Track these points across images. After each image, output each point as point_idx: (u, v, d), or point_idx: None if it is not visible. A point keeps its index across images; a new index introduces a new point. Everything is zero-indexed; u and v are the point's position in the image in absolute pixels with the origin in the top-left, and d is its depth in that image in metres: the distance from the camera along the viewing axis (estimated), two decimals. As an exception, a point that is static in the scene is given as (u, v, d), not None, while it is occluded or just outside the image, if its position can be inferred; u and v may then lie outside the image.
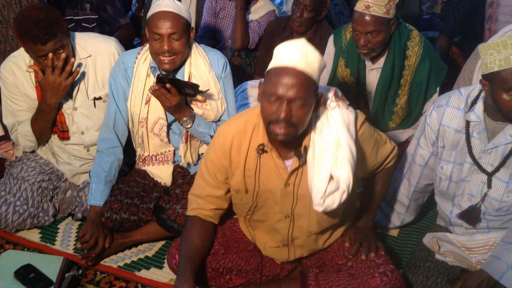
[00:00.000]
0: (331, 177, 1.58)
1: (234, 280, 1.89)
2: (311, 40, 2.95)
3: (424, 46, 2.43)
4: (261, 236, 1.86)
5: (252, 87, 2.90)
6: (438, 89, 2.52)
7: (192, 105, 2.12)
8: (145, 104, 2.12)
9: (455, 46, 3.42)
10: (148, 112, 2.12)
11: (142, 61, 2.11)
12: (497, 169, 1.79)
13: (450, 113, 1.84)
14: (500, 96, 1.63)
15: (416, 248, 2.05)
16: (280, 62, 1.51)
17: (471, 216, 1.86)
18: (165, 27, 1.95)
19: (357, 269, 1.78)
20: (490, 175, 1.80)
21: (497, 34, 2.29)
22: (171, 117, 2.15)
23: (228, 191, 1.79)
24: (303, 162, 1.62)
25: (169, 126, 2.18)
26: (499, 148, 1.76)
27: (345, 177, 1.57)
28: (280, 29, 3.05)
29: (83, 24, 3.14)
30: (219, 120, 2.15)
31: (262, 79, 2.92)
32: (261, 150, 1.65)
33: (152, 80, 2.09)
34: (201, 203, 1.80)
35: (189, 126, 2.06)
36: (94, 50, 2.21)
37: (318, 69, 1.53)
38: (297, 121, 1.51)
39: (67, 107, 2.22)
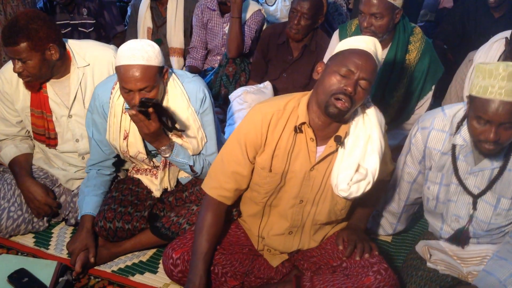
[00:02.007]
0: (359, 167, 1.68)
1: (229, 282, 1.89)
2: (307, 47, 2.99)
3: (425, 43, 2.53)
4: (269, 222, 1.89)
5: (247, 93, 2.91)
6: (433, 87, 2.60)
7: (171, 136, 2.05)
8: (123, 139, 2.07)
9: (451, 53, 3.45)
10: (127, 146, 2.08)
11: (117, 98, 2.00)
12: (483, 192, 1.78)
13: (435, 136, 1.83)
14: (471, 120, 1.63)
15: (408, 256, 2.05)
16: (358, 46, 1.63)
17: (460, 239, 1.87)
18: (134, 83, 1.81)
19: (351, 269, 1.80)
20: (475, 197, 1.80)
21: (488, 42, 2.32)
22: (151, 147, 2.11)
23: (252, 171, 1.81)
24: (340, 146, 1.71)
25: (151, 156, 2.16)
26: (485, 171, 1.76)
27: (373, 168, 1.68)
28: (275, 35, 3.07)
29: (79, 28, 3.16)
30: (198, 154, 2.11)
31: (261, 84, 2.97)
32: (299, 129, 1.71)
33: (128, 118, 2.01)
34: (223, 180, 1.81)
35: (167, 155, 2.01)
36: (93, 59, 2.20)
37: (379, 64, 1.68)
38: (357, 99, 1.62)
39: (60, 114, 2.22)
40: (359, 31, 2.50)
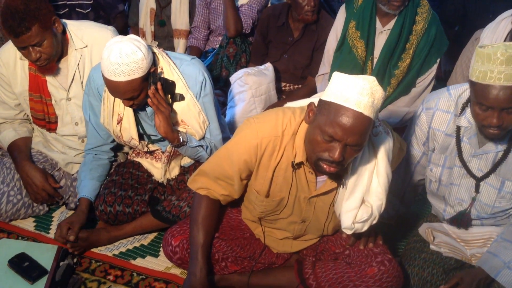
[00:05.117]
0: (363, 201, 1.60)
1: (230, 267, 1.88)
2: (308, 27, 2.94)
3: (432, 14, 2.56)
4: (268, 230, 1.86)
5: (248, 75, 2.88)
6: (438, 60, 2.63)
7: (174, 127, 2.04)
8: (117, 124, 2.04)
9: (454, 35, 3.41)
10: (121, 131, 2.05)
11: None
12: (486, 175, 1.76)
13: (439, 116, 1.79)
14: (474, 105, 1.60)
15: (411, 239, 2.04)
16: (347, 101, 1.40)
17: (461, 222, 1.85)
18: (119, 95, 1.85)
19: (354, 257, 1.78)
20: (478, 180, 1.78)
21: (495, 20, 2.27)
22: (149, 132, 2.10)
23: (243, 186, 1.74)
24: (343, 186, 1.62)
25: (150, 142, 2.13)
26: (489, 154, 1.73)
27: (378, 204, 1.60)
28: (275, 17, 3.03)
29: (77, 9, 3.11)
30: (203, 138, 2.08)
31: (262, 66, 2.92)
32: (297, 166, 1.61)
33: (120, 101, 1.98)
34: (212, 186, 1.75)
35: (184, 143, 1.99)
36: (91, 41, 2.17)
37: (380, 109, 1.48)
38: (347, 161, 1.49)
39: (59, 97, 2.19)
40: (367, 3, 2.52)
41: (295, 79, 3.06)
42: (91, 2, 3.13)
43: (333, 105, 1.42)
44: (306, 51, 2.98)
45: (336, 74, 1.47)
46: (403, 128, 2.40)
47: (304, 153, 1.58)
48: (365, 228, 1.64)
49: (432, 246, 1.93)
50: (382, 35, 2.57)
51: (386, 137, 1.61)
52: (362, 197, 1.59)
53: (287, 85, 3.10)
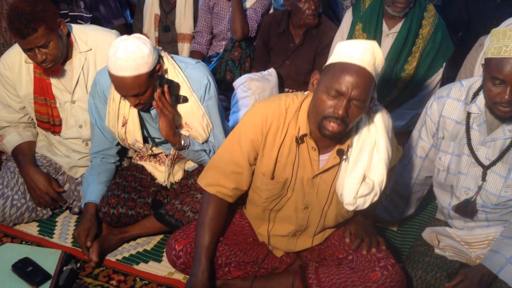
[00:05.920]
0: (364, 178, 1.62)
1: (233, 273, 1.88)
2: (308, 33, 2.95)
3: (438, 19, 2.62)
4: (272, 226, 1.86)
5: (252, 80, 2.89)
6: (444, 64, 2.68)
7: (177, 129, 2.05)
8: (122, 126, 2.05)
9: (458, 41, 3.41)
10: (125, 133, 2.06)
11: None
12: (493, 163, 1.78)
13: (450, 104, 1.84)
14: (487, 82, 1.65)
15: (415, 243, 2.04)
16: (351, 58, 1.49)
17: (466, 209, 1.86)
18: (126, 92, 1.84)
19: (357, 262, 1.78)
20: (486, 168, 1.80)
21: (499, 26, 2.27)
22: (153, 135, 2.11)
23: (252, 173, 1.76)
24: (345, 160, 1.64)
25: (154, 145, 2.14)
26: (497, 142, 1.76)
27: (379, 179, 1.62)
28: (275, 23, 3.05)
29: (78, 20, 3.14)
30: (206, 142, 2.09)
31: (266, 71, 2.93)
32: (301, 140, 1.65)
33: (127, 104, 1.99)
34: (222, 181, 1.76)
35: (186, 147, 1.99)
36: (95, 44, 2.19)
37: (379, 74, 1.56)
38: (351, 120, 1.53)
39: (64, 100, 2.20)
40: (374, 6, 2.56)
41: (298, 84, 3.07)
42: (91, 15, 3.15)
43: (338, 64, 1.51)
44: (308, 57, 2.99)
45: (339, 43, 1.57)
46: (407, 133, 2.40)
47: (308, 126, 1.63)
48: (367, 204, 1.65)
49: (437, 250, 1.93)
50: (388, 38, 2.61)
51: (385, 115, 1.67)
52: (364, 173, 1.62)
53: (290, 91, 3.11)
